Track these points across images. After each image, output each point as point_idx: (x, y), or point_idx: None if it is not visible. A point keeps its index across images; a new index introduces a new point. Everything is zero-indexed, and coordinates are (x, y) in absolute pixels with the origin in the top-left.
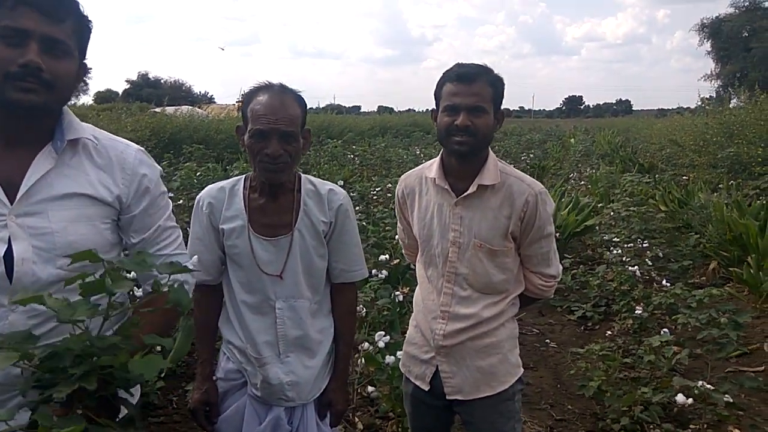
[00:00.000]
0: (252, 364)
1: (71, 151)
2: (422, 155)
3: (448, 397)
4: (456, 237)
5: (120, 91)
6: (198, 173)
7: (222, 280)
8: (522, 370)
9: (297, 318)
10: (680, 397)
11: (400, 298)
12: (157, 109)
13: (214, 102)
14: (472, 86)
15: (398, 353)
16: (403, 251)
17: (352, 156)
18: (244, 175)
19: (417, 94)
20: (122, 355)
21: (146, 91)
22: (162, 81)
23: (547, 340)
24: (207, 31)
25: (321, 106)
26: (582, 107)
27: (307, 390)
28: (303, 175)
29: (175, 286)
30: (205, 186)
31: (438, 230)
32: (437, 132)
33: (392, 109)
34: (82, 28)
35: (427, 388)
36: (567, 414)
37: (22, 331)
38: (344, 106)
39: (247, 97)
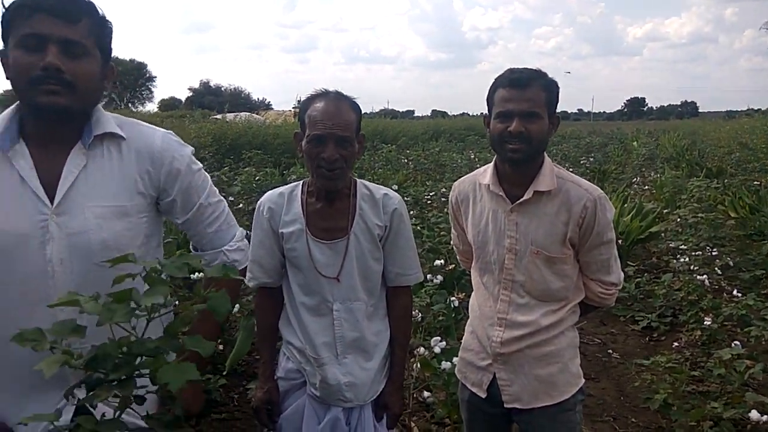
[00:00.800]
0: (311, 365)
1: (100, 147)
2: (476, 159)
3: (506, 405)
4: (512, 244)
5: (183, 99)
6: (257, 178)
7: (282, 282)
8: (583, 380)
9: (353, 320)
10: (754, 414)
11: (456, 303)
12: (218, 116)
13: (272, 108)
14: (525, 92)
15: (454, 359)
16: (457, 257)
17: (406, 160)
18: (302, 181)
19: (471, 98)
20: (160, 359)
21: (208, 98)
22: (222, 88)
23: (610, 351)
24: (264, 38)
25: (375, 110)
26: (645, 109)
27: (364, 391)
28: (358, 180)
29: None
30: (265, 190)
31: (493, 237)
32: (490, 139)
33: (446, 113)
34: (100, 27)
35: (484, 396)
36: (630, 427)
37: (70, 321)
38: (398, 111)
39: (305, 105)
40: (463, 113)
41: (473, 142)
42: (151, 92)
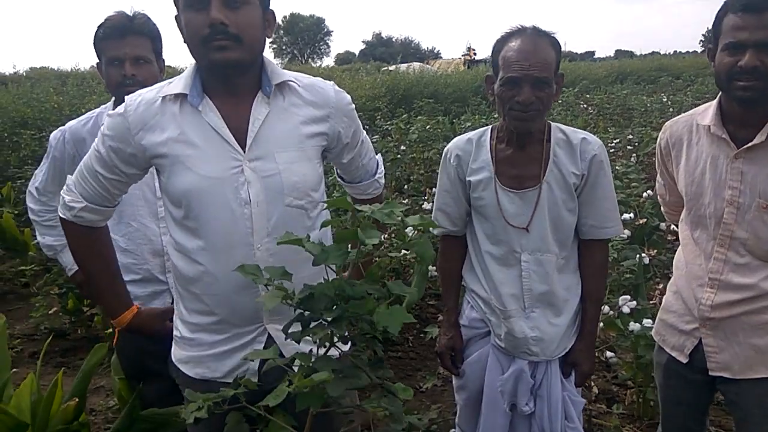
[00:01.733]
0: (496, 315)
1: (279, 96)
2: (669, 103)
3: (711, 373)
4: (734, 196)
5: (357, 52)
6: (428, 126)
7: (466, 230)
8: None
9: (543, 272)
10: None
11: (646, 260)
12: (391, 68)
13: (441, 57)
14: (762, 17)
15: (644, 321)
16: (662, 209)
17: (585, 106)
18: (490, 126)
19: (662, 34)
20: (369, 302)
21: (380, 50)
22: (393, 39)
23: None
24: None
25: None
26: None
27: (552, 347)
28: (553, 124)
29: (421, 239)
30: (435, 138)
31: (711, 187)
32: (716, 75)
33: (632, 53)
34: None
35: (685, 361)
36: None
37: (279, 267)
38: (576, 53)
39: (498, 45)
40: (653, 52)
41: (666, 84)
42: (329, 47)
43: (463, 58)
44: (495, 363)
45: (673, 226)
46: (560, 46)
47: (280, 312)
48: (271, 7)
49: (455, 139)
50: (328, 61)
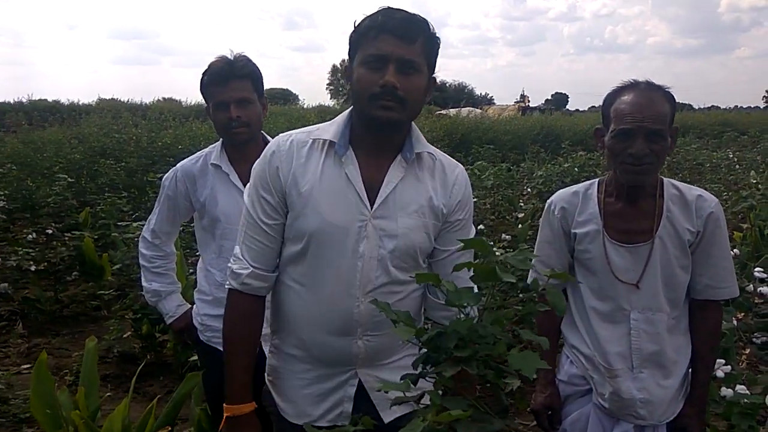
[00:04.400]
0: (600, 374)
1: (415, 164)
2: (735, 159)
3: None
4: None
5: None
6: (499, 173)
7: (567, 285)
8: None
9: (653, 332)
10: None
11: (734, 323)
12: (444, 112)
13: (494, 103)
14: None
15: (738, 387)
16: None
17: None
18: (597, 179)
19: (723, 88)
20: (501, 345)
21: (434, 94)
22: (447, 84)
23: None
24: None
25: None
26: None
27: (660, 411)
28: (666, 179)
29: (554, 289)
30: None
31: None
32: None
33: (690, 105)
34: (431, 45)
35: None
36: None
37: (406, 312)
38: None
39: (610, 97)
40: (712, 106)
41: (731, 140)
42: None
43: (517, 105)
44: (597, 424)
45: (760, 288)
46: (674, 99)
47: (372, 359)
48: (434, 75)
49: (560, 192)
50: None
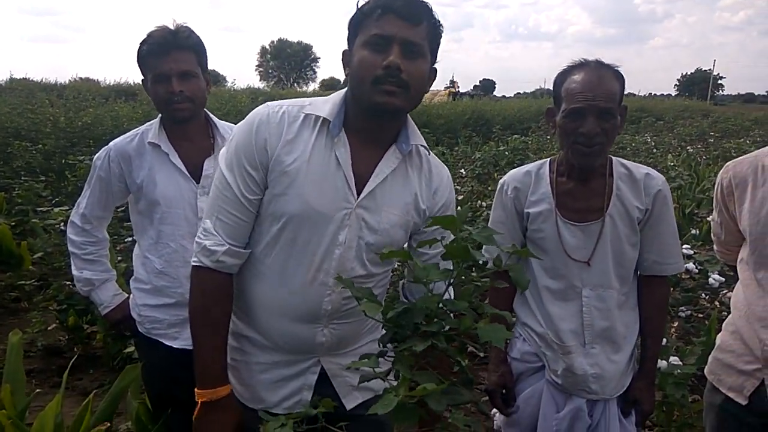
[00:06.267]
0: (553, 351)
1: (409, 156)
2: (653, 144)
3: None
4: None
5: (342, 79)
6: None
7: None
8: None
9: (605, 308)
10: None
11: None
12: None
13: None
14: None
15: (671, 359)
16: (715, 247)
17: None
18: (548, 159)
19: (640, 77)
20: (467, 319)
21: None
22: None
23: None
24: None
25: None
26: None
27: (611, 385)
28: (615, 159)
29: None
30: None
31: None
32: None
33: None
34: (434, 31)
35: (744, 402)
36: None
37: (367, 289)
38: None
39: (561, 77)
40: (629, 93)
41: (648, 125)
42: (315, 73)
43: (447, 90)
44: (550, 400)
45: (686, 265)
46: (624, 78)
47: (336, 347)
48: (435, 65)
49: (511, 172)
50: (314, 86)
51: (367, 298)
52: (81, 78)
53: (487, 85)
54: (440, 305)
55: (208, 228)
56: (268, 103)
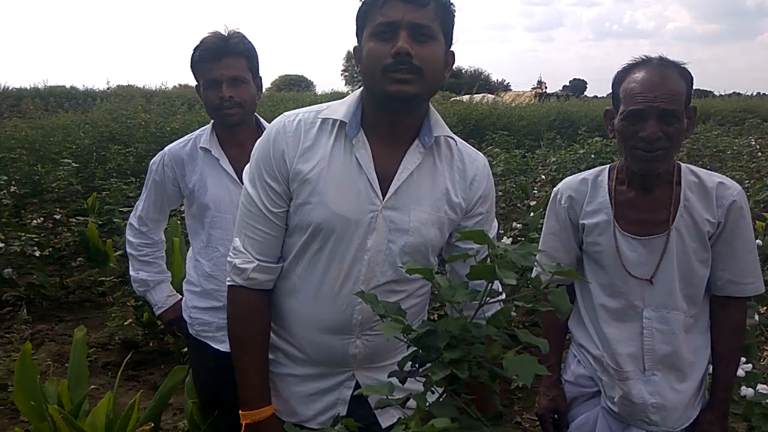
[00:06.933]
0: (610, 376)
1: (433, 149)
2: (758, 147)
3: None
4: None
5: None
6: (511, 160)
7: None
8: None
9: (668, 331)
10: None
11: (756, 318)
12: (461, 98)
13: (510, 89)
14: None
15: (759, 387)
16: None
17: None
18: (608, 165)
19: (745, 75)
20: (495, 347)
21: (448, 80)
22: (463, 70)
23: None
24: (507, 17)
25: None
26: None
27: (675, 417)
28: (684, 165)
29: (557, 288)
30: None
31: None
32: None
33: (711, 92)
34: (445, 11)
35: None
36: None
37: (395, 304)
38: None
39: (620, 76)
40: (734, 93)
41: (753, 127)
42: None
43: (534, 91)
44: (605, 429)
45: None
46: (691, 77)
47: (370, 360)
48: (452, 49)
49: (567, 179)
50: None
51: (393, 314)
52: (180, 85)
53: (578, 85)
54: (466, 329)
55: (237, 246)
56: (286, 113)
